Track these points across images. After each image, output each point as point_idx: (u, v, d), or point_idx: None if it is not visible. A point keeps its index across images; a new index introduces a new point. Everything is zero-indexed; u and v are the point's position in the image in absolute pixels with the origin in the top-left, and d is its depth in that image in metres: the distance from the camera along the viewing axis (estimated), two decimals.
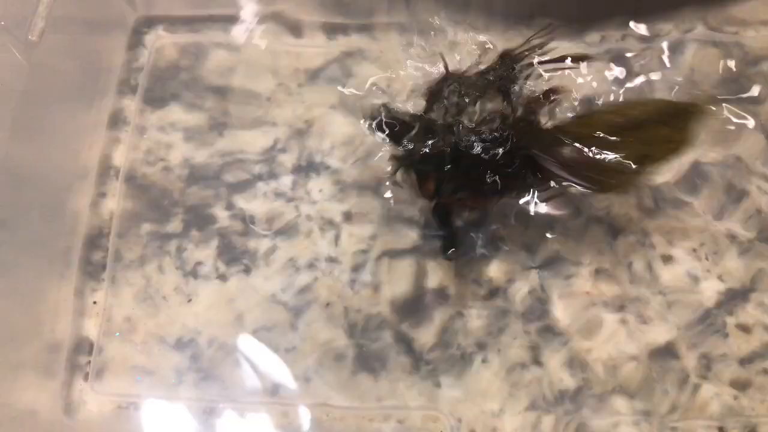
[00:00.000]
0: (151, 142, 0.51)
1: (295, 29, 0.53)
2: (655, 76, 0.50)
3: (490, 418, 0.43)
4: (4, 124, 0.44)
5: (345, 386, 0.44)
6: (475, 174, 0.44)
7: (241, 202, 0.49)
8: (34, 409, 0.45)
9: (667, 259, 0.46)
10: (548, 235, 0.46)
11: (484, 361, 0.44)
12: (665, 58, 0.50)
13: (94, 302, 0.47)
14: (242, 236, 0.48)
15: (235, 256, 0.48)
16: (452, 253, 0.46)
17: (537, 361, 0.44)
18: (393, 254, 0.47)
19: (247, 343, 0.46)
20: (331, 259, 0.47)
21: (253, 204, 0.49)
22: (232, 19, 0.54)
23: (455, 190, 0.45)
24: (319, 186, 0.49)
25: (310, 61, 0.52)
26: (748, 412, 0.42)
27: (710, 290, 0.45)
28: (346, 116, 0.50)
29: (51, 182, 0.48)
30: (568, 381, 0.44)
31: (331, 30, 0.53)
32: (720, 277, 0.45)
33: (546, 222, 0.46)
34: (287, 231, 0.48)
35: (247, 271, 0.47)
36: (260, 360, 0.45)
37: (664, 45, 0.51)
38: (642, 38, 0.51)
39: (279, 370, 0.45)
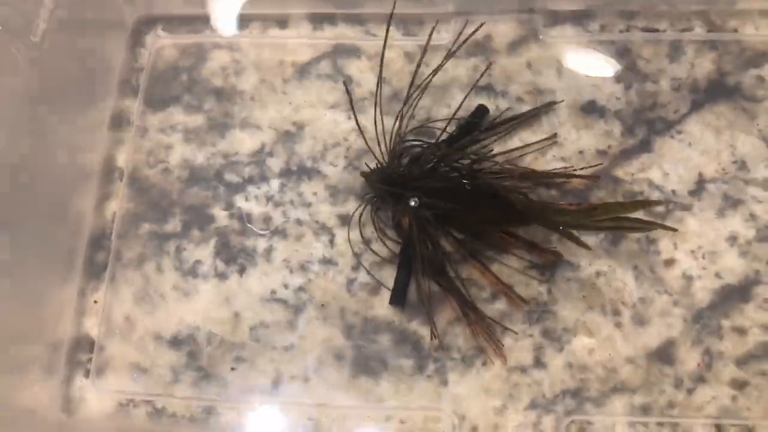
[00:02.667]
0: (152, 143, 0.51)
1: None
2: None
3: (492, 415, 0.44)
4: (7, 125, 0.44)
5: (346, 386, 0.45)
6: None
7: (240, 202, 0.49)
8: (34, 407, 0.45)
9: (669, 262, 0.46)
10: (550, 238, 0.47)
11: (484, 364, 0.45)
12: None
13: (95, 301, 0.48)
14: (240, 235, 0.48)
15: (233, 254, 0.48)
16: (398, 303, 0.46)
17: (539, 363, 0.44)
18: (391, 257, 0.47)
19: (245, 341, 0.46)
20: (327, 261, 0.47)
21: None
22: (232, 18, 0.54)
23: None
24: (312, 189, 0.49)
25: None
26: (744, 412, 0.43)
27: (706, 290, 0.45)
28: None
29: (55, 183, 0.48)
30: (569, 382, 0.44)
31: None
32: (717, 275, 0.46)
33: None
34: (282, 232, 0.48)
35: (243, 269, 0.47)
36: (259, 358, 0.46)
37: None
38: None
39: (278, 369, 0.45)
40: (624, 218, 0.42)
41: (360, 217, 0.47)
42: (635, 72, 0.50)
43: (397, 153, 0.47)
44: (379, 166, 0.47)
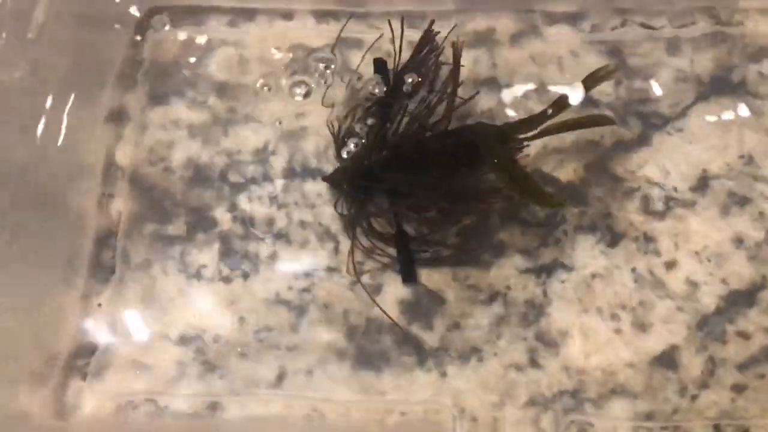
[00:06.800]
0: (153, 139, 0.51)
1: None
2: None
3: (491, 409, 0.44)
4: (7, 122, 0.44)
5: (348, 381, 0.45)
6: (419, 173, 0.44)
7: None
8: (31, 411, 0.45)
9: (671, 264, 0.45)
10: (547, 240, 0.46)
11: (480, 360, 0.45)
12: None
13: (99, 304, 0.48)
14: (243, 239, 0.48)
15: (236, 258, 0.48)
16: (411, 280, 0.46)
17: (535, 365, 0.44)
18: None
19: (249, 342, 0.46)
20: (332, 269, 0.47)
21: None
22: (237, 12, 0.53)
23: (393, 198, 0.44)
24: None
25: None
26: (741, 413, 0.43)
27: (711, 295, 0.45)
28: None
29: (54, 181, 0.48)
30: (566, 384, 0.44)
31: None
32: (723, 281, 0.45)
33: (544, 227, 0.46)
34: (286, 235, 0.48)
35: (246, 274, 0.48)
36: (262, 357, 0.46)
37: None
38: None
39: (281, 366, 0.46)
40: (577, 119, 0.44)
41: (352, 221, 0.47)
42: (630, 68, 0.49)
43: (341, 145, 0.46)
44: (339, 165, 0.47)
